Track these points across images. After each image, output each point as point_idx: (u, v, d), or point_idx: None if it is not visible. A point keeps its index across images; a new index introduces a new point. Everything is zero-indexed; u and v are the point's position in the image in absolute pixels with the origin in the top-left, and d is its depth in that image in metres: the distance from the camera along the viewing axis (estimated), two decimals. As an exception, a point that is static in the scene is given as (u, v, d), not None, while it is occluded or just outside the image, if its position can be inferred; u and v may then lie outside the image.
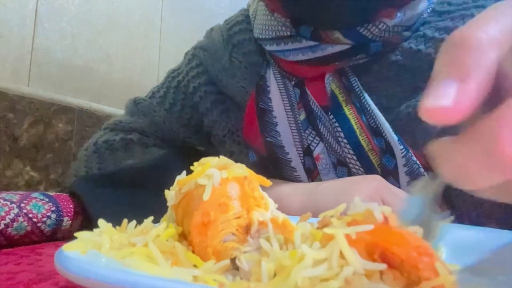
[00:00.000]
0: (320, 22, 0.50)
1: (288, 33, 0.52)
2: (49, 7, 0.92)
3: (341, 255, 0.20)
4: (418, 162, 0.47)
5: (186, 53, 0.68)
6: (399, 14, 0.49)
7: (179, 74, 0.66)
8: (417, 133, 0.48)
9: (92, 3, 1.02)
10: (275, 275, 0.22)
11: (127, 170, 0.57)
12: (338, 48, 0.50)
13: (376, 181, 0.46)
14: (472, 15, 0.49)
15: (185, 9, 1.29)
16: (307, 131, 0.54)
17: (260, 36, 0.56)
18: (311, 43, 0.51)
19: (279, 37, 0.53)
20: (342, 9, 0.48)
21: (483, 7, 0.48)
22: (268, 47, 0.55)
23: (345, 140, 0.50)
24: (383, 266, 0.19)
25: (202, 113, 0.62)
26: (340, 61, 0.51)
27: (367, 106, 0.49)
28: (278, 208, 0.28)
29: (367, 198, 0.42)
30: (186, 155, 0.60)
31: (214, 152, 0.63)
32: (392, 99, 0.50)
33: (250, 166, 0.27)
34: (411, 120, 0.48)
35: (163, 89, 0.66)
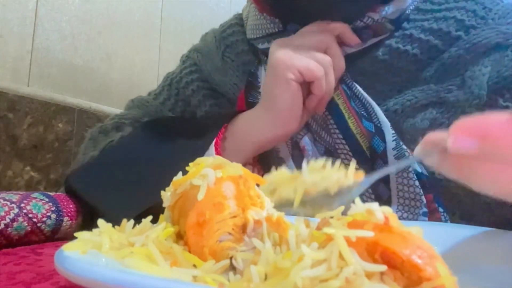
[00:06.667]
0: (308, 22, 0.51)
1: (277, 30, 0.54)
2: (49, 7, 0.92)
3: (341, 256, 0.20)
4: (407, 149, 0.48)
5: (182, 56, 0.70)
6: (385, 9, 0.51)
7: (173, 73, 0.69)
8: (404, 129, 0.50)
9: (92, 3, 1.02)
10: (270, 276, 0.21)
11: (116, 147, 0.57)
12: None
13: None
14: (455, 18, 0.50)
15: (185, 9, 1.29)
16: None
17: (252, 36, 0.58)
18: None
19: (269, 35, 0.55)
20: (330, 10, 0.50)
21: (464, 9, 0.51)
22: (260, 46, 0.57)
23: (334, 126, 0.51)
24: (383, 268, 0.19)
25: (195, 105, 0.64)
26: None
27: (355, 91, 0.51)
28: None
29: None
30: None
31: None
32: (379, 97, 0.51)
33: None
34: (399, 117, 0.50)
35: (158, 89, 0.69)
